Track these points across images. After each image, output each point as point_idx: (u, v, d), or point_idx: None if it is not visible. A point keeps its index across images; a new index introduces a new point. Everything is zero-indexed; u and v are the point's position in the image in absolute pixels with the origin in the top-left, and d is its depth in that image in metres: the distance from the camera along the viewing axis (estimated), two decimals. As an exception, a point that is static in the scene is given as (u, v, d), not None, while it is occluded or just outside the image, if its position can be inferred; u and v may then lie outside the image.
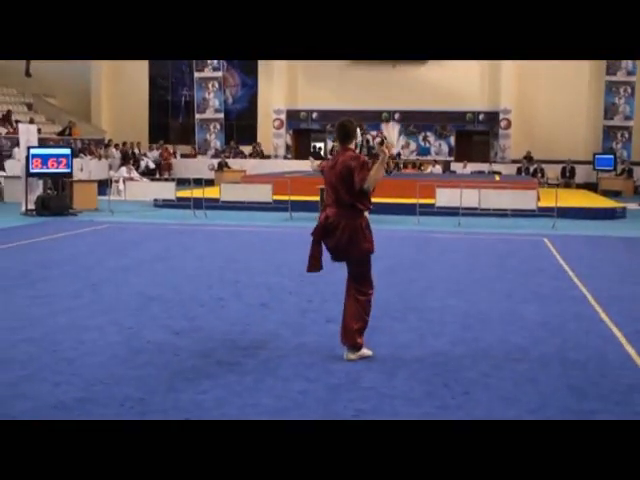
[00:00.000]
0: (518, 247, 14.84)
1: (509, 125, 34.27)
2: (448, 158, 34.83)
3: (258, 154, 35.19)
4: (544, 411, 5.63)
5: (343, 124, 7.17)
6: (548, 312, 9.02)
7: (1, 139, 27.79)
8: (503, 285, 10.70)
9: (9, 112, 30.99)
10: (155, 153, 34.77)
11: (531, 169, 32.65)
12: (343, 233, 6.93)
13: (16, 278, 10.59)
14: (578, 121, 33.48)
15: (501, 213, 19.21)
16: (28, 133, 20.93)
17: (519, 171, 32.79)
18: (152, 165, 32.97)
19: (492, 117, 34.69)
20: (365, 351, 6.99)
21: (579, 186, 31.52)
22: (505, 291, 10.26)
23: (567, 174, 32.50)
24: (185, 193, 21.59)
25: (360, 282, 7.03)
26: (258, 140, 36.13)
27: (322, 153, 35.78)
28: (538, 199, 19.56)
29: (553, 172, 32.50)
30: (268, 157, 35.27)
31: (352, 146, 7.18)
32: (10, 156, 26.44)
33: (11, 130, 28.81)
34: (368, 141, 35.72)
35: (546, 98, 33.63)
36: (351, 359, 6.89)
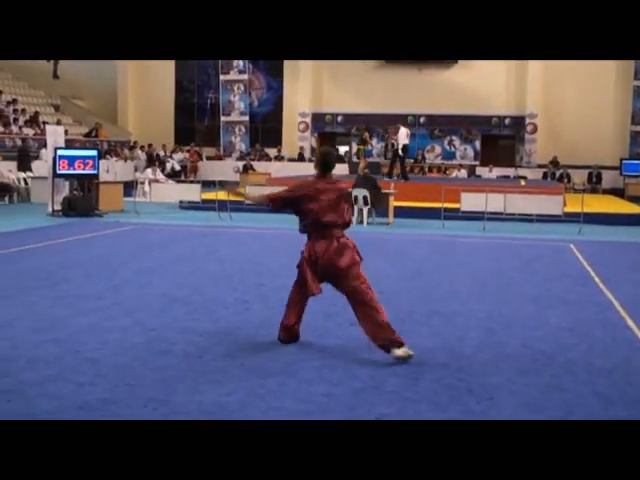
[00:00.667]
0: (543, 252, 14.75)
1: (535, 130, 34.09)
2: (473, 162, 34.71)
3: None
4: (570, 418, 5.57)
5: (323, 155, 7.35)
6: (574, 318, 8.95)
7: (29, 140, 28.01)
8: (528, 290, 10.63)
9: (37, 113, 31.23)
10: (180, 155, 34.87)
11: (557, 174, 32.45)
12: (330, 246, 7.09)
13: (41, 279, 10.65)
14: (605, 126, 33.23)
15: (526, 218, 19.10)
16: (55, 134, 21.07)
17: (545, 176, 32.60)
18: (177, 167, 33.10)
19: (518, 121, 34.52)
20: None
21: (605, 192, 31.31)
22: (530, 296, 10.19)
23: (594, 179, 32.29)
24: (210, 195, 21.65)
25: (358, 293, 7.04)
26: (292, 144, 36.16)
27: (345, 158, 35.72)
28: (564, 204, 19.44)
29: (579, 177, 32.29)
30: (303, 160, 35.12)
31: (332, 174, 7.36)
32: (37, 157, 26.64)
33: (38, 131, 29.03)
34: (393, 144, 35.71)
35: (573, 103, 33.41)
36: (399, 355, 6.81)
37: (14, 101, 31.03)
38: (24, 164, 25.60)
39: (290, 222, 18.38)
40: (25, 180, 25.09)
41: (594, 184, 32.10)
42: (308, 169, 31.46)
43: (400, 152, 24.15)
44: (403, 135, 23.99)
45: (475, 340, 7.79)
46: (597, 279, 11.58)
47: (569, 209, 19.70)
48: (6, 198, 23.64)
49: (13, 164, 25.43)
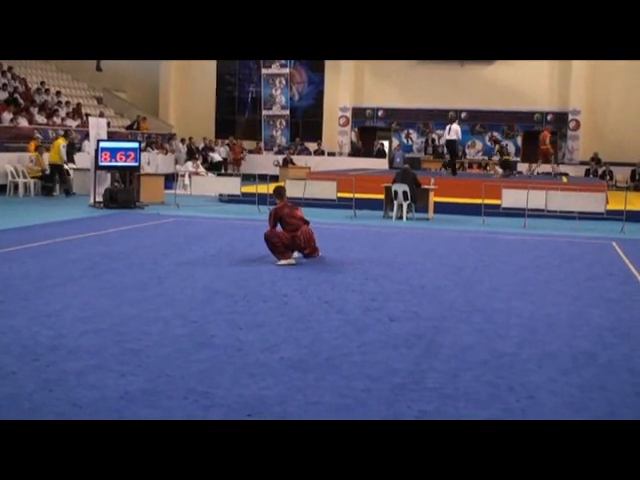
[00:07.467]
0: (585, 250, 14.60)
1: (578, 126, 33.75)
2: (515, 158, 34.44)
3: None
4: (612, 418, 5.51)
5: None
6: (616, 317, 8.85)
7: (71, 132, 28.23)
8: (570, 288, 10.54)
9: (79, 105, 31.52)
10: (222, 149, 34.78)
11: (599, 171, 32.10)
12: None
13: (86, 269, 10.77)
14: (650, 123, 32.80)
15: (568, 215, 18.91)
16: (98, 127, 21.25)
17: (587, 173, 32.26)
18: (218, 158, 33.11)
19: (561, 118, 34.20)
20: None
21: (649, 189, 30.89)
22: (572, 295, 10.09)
23: (637, 177, 31.88)
24: (250, 189, 21.71)
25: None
26: (324, 138, 36.25)
27: (387, 151, 35.70)
28: (607, 202, 19.20)
29: (622, 175, 31.90)
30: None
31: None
32: (80, 149, 26.86)
33: (81, 123, 29.28)
34: (433, 140, 35.65)
35: (617, 99, 33.03)
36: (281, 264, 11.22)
37: (58, 93, 31.34)
38: (67, 155, 25.80)
39: (329, 217, 18.40)
40: (67, 171, 25.30)
41: (637, 182, 31.68)
42: (342, 164, 31.52)
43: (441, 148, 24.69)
44: (446, 131, 24.21)
45: (516, 338, 7.74)
46: (640, 278, 11.45)
47: (612, 207, 19.45)
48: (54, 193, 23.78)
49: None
